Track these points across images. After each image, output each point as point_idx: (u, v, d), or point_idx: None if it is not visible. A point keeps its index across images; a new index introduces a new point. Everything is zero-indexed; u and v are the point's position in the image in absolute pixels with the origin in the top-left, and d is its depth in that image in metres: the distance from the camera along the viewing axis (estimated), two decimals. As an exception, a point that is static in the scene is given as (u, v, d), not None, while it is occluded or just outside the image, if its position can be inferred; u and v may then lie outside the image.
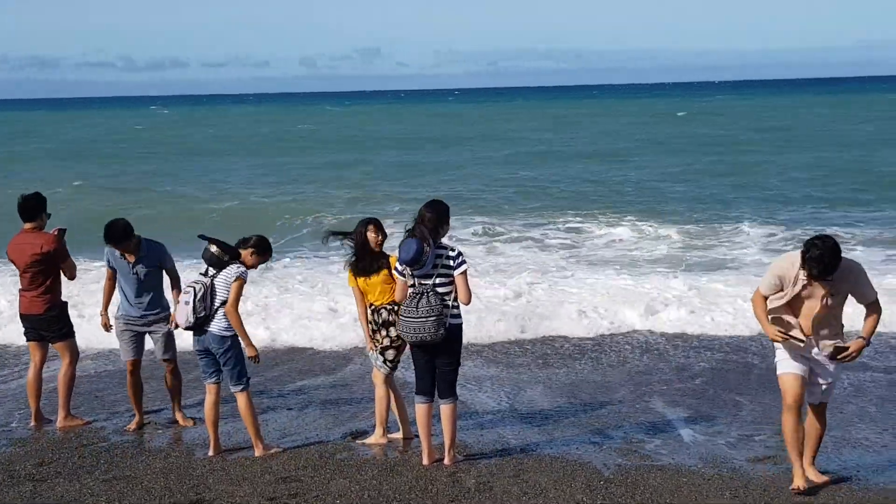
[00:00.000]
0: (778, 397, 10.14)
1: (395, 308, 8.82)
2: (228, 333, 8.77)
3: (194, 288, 8.74)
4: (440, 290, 8.33)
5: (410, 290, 8.37)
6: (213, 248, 8.82)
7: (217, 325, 8.75)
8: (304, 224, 25.99)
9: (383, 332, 9.00)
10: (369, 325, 9.07)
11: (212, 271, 8.84)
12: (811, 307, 7.62)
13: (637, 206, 27.71)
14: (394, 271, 8.59)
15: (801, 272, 7.44)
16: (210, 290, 8.75)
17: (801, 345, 7.64)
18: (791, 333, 7.61)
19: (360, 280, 8.99)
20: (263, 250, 9.05)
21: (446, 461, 8.60)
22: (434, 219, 8.39)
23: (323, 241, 9.50)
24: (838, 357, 7.58)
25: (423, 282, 8.33)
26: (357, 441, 9.30)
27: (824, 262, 7.23)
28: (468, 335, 10.55)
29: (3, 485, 8.32)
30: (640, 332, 13.84)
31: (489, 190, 32.73)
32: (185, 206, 30.21)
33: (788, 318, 7.72)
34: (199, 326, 8.74)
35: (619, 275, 17.35)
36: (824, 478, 7.96)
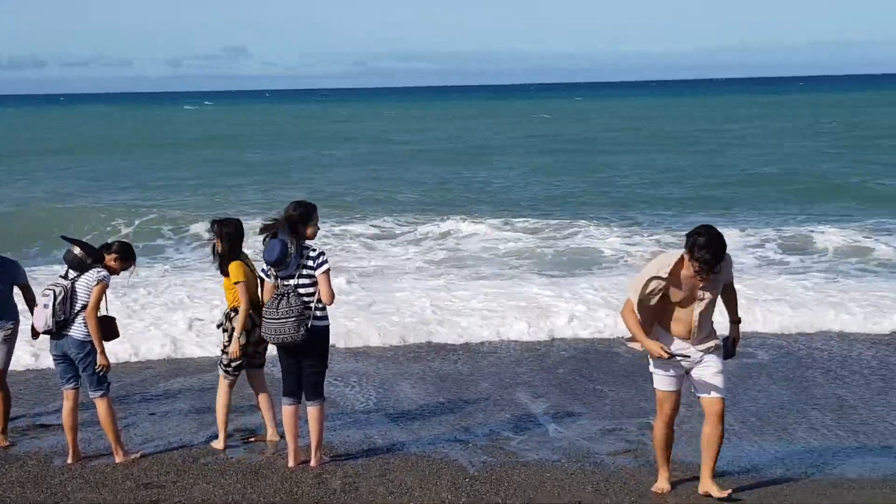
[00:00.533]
0: (640, 391, 10.45)
1: (231, 313, 8.86)
2: (89, 339, 8.57)
3: (54, 291, 8.50)
4: (302, 290, 8.25)
5: (275, 291, 8.29)
6: (77, 250, 8.60)
7: (77, 330, 8.52)
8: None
9: (224, 337, 8.96)
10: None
11: (72, 274, 8.61)
12: (687, 312, 7.38)
13: (489, 206, 28.14)
14: (260, 272, 8.49)
15: (683, 272, 7.25)
16: (70, 294, 8.52)
17: (687, 362, 7.50)
18: (672, 350, 7.39)
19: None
20: (126, 256, 8.83)
21: (312, 463, 8.55)
22: (298, 218, 8.30)
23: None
24: (734, 352, 7.69)
25: (285, 283, 8.26)
26: (251, 440, 9.23)
27: (713, 247, 7.07)
28: (336, 336, 10.51)
29: None
30: (506, 330, 13.97)
31: (339, 190, 32.82)
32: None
33: (663, 329, 7.50)
34: (57, 331, 8.51)
35: (479, 274, 17.83)
36: (726, 492, 7.61)
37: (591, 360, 12.34)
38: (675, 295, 7.33)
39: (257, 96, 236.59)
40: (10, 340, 9.35)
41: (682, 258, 7.26)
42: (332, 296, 8.31)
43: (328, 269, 8.32)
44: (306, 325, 8.20)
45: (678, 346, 7.48)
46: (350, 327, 13.53)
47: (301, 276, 8.26)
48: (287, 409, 8.54)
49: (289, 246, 8.17)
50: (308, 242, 8.39)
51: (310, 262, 8.28)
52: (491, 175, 37.08)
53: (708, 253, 7.07)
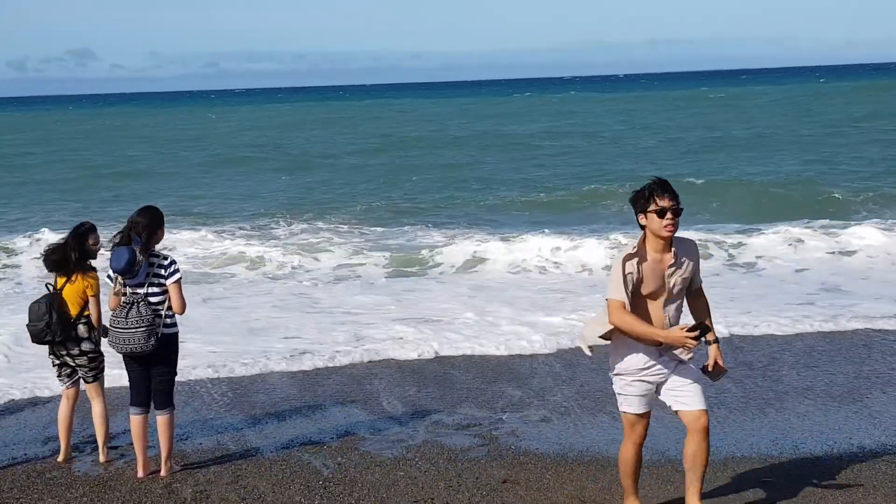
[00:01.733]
0: (490, 384, 10.56)
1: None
2: None
3: None
4: (152, 299, 8.08)
5: (123, 299, 8.10)
6: None
7: None
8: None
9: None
10: None
11: None
12: (657, 307, 6.66)
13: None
14: (107, 279, 8.27)
15: (651, 253, 6.57)
16: None
17: (656, 376, 6.73)
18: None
19: None
20: None
21: (163, 473, 8.39)
22: (147, 226, 8.11)
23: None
24: (703, 336, 6.50)
25: (135, 291, 8.07)
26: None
27: (665, 181, 6.56)
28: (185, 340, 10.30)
29: None
30: (353, 329, 13.97)
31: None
32: None
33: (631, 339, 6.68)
34: None
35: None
36: None
37: (450, 359, 12.45)
38: (647, 284, 6.59)
39: (103, 100, 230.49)
40: None
41: (643, 239, 6.64)
42: (184, 305, 8.17)
43: (180, 278, 8.18)
44: (157, 334, 8.04)
45: (649, 356, 6.70)
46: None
47: (151, 284, 8.09)
48: (135, 419, 8.34)
49: (137, 254, 7.99)
50: (157, 250, 8.24)
51: (161, 271, 8.11)
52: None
53: (668, 189, 6.52)
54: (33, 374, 11.63)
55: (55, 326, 8.36)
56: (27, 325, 8.49)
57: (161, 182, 37.54)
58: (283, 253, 20.87)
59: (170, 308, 8.16)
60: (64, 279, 8.51)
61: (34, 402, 10.82)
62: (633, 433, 6.93)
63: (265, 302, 16.36)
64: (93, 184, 37.25)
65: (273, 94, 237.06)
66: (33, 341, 8.57)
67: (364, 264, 20.04)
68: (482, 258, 20.01)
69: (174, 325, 8.29)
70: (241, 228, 25.14)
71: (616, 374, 6.85)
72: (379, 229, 24.56)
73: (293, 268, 19.95)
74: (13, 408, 10.68)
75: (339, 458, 8.73)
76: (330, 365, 12.11)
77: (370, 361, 12.24)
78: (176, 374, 8.49)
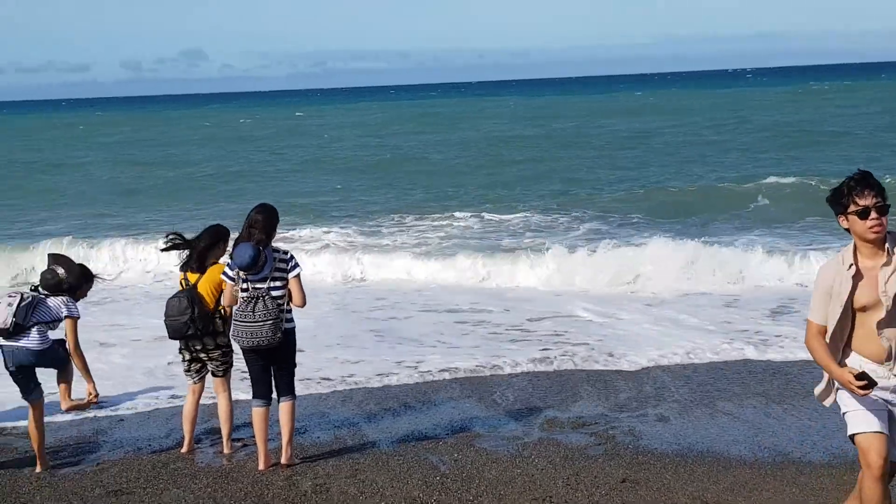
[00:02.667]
0: (607, 385, 10.47)
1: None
2: (44, 346, 8.51)
3: (21, 294, 8.51)
4: (274, 293, 8.20)
5: (244, 294, 8.21)
6: (60, 271, 8.59)
7: (31, 341, 8.47)
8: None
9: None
10: None
11: (43, 291, 8.61)
12: (871, 318, 5.66)
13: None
14: (222, 276, 8.42)
15: (862, 261, 5.72)
16: (35, 305, 8.50)
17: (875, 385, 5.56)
18: (864, 373, 5.52)
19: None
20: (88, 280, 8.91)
21: (283, 460, 8.54)
22: (265, 222, 8.26)
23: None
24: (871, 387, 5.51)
25: (257, 286, 8.20)
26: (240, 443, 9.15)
27: (866, 175, 5.69)
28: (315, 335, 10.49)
29: None
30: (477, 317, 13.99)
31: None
32: None
33: (848, 354, 5.83)
34: (12, 332, 8.43)
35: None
36: None
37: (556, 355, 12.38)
38: (860, 297, 5.66)
39: (214, 99, 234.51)
40: None
41: (853, 245, 5.78)
42: (304, 298, 8.29)
43: (300, 273, 8.31)
44: (281, 328, 8.17)
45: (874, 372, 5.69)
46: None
47: (273, 278, 8.21)
48: (257, 412, 8.48)
49: (261, 250, 8.13)
50: (276, 245, 8.37)
51: (283, 265, 8.24)
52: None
53: (869, 183, 5.64)
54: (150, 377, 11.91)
55: (198, 321, 8.54)
56: (166, 321, 8.63)
57: (296, 183, 37.69)
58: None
59: (289, 303, 8.28)
60: (196, 275, 8.67)
61: (156, 398, 11.10)
62: (868, 462, 5.65)
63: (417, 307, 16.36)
64: (192, 185, 37.74)
65: (380, 91, 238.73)
66: (173, 337, 8.70)
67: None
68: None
69: (292, 319, 8.41)
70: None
71: (839, 389, 5.86)
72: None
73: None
74: (138, 404, 10.95)
75: (456, 455, 8.73)
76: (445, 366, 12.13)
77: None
78: (296, 365, 8.62)
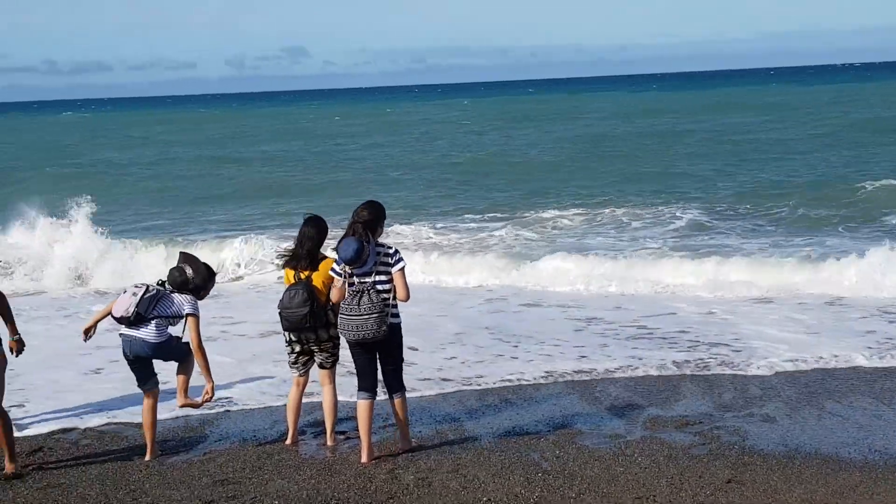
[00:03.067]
0: (712, 384, 10.31)
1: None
2: (160, 340, 8.68)
3: (147, 286, 8.72)
4: (380, 287, 8.28)
5: (350, 289, 8.31)
6: (189, 271, 8.78)
7: (149, 333, 8.64)
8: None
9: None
10: None
11: (169, 286, 8.81)
12: None
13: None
14: (330, 271, 8.51)
15: None
16: (160, 298, 8.69)
17: None
18: None
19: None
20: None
21: (402, 445, 8.76)
22: (371, 218, 8.36)
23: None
24: None
25: (363, 280, 8.28)
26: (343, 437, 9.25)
27: None
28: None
29: None
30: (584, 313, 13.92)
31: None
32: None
33: None
34: (133, 322, 8.62)
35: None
36: None
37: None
38: None
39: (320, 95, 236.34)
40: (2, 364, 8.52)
41: None
42: (408, 292, 8.38)
43: (404, 267, 8.38)
44: (387, 321, 8.25)
45: None
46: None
47: (378, 272, 8.29)
48: (362, 405, 8.56)
49: (365, 244, 8.21)
50: (381, 241, 8.46)
51: (388, 260, 8.33)
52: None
53: None
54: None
55: (318, 313, 8.65)
56: (283, 313, 8.65)
57: (392, 182, 37.99)
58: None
59: (395, 298, 8.34)
60: (307, 271, 8.75)
61: (262, 391, 11.26)
62: None
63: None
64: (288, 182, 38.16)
65: (478, 88, 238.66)
66: (288, 329, 8.75)
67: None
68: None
69: (398, 314, 8.50)
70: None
71: None
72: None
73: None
74: (243, 397, 11.10)
75: (557, 452, 8.68)
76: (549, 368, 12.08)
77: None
78: (402, 360, 8.71)
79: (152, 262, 19.64)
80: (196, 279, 8.82)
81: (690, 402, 10.10)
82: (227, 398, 10.71)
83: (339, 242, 8.30)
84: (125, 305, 8.62)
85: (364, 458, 8.55)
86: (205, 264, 9.01)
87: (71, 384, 11.66)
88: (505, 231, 23.09)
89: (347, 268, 8.28)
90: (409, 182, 35.34)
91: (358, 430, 8.64)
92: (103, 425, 9.98)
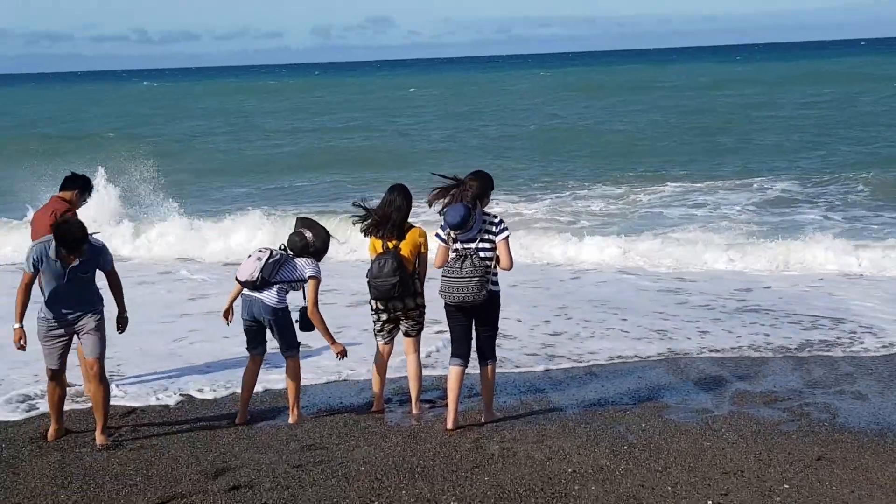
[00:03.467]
0: (800, 361, 10.12)
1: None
2: (280, 306, 8.77)
3: (271, 250, 8.80)
4: (482, 254, 8.40)
5: (453, 254, 8.43)
6: (308, 235, 8.87)
7: (270, 297, 8.74)
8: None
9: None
10: None
11: (289, 252, 8.88)
12: None
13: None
14: (435, 237, 8.61)
15: None
16: (283, 263, 8.78)
17: None
18: None
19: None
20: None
21: (484, 419, 8.78)
22: (479, 187, 8.49)
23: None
24: None
25: (466, 246, 8.39)
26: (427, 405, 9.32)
27: None
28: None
29: (31, 455, 8.38)
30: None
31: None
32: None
33: None
34: (258, 286, 8.73)
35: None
36: None
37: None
38: None
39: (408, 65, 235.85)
40: (102, 328, 8.64)
41: None
42: (512, 261, 8.49)
43: (508, 236, 8.48)
44: (487, 287, 8.35)
45: None
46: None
47: (482, 240, 8.40)
48: (454, 370, 8.66)
49: (472, 211, 8.30)
50: (487, 210, 8.56)
51: (492, 228, 8.44)
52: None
53: None
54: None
55: (407, 282, 8.71)
56: (372, 282, 8.73)
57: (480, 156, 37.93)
58: None
59: (496, 266, 8.43)
60: (395, 240, 8.80)
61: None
62: None
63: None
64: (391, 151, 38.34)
65: (564, 58, 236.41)
66: (377, 297, 8.82)
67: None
68: None
69: (497, 283, 8.59)
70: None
71: None
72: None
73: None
74: (330, 364, 11.21)
75: (643, 424, 8.63)
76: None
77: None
78: (498, 328, 8.78)
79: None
80: (316, 242, 8.88)
81: (779, 377, 9.98)
82: (316, 366, 10.81)
83: (446, 209, 8.41)
84: (250, 270, 8.69)
85: (449, 425, 8.60)
86: (323, 227, 9.07)
87: (163, 350, 11.94)
88: (596, 205, 22.95)
89: (453, 233, 8.38)
90: (505, 151, 35.26)
91: (444, 399, 8.69)
92: (193, 390, 10.20)
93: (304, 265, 8.79)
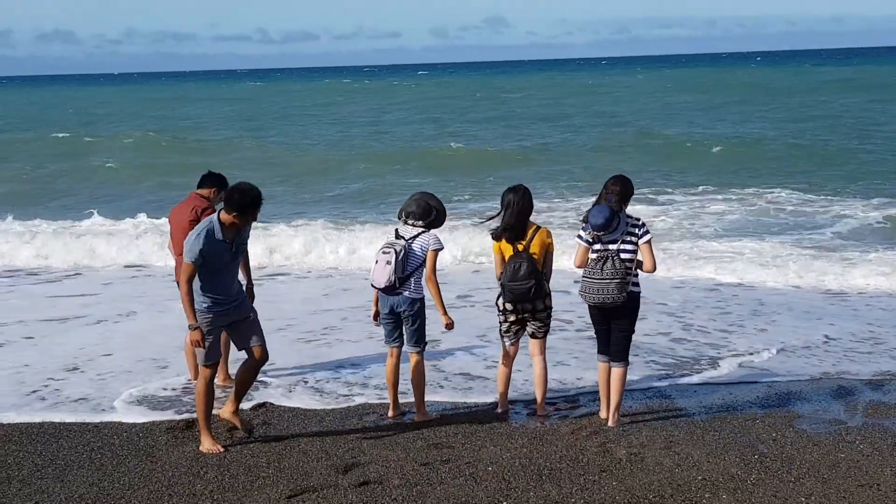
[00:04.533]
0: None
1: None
2: (418, 296, 8.86)
3: (394, 249, 8.79)
4: (623, 255, 8.45)
5: (593, 255, 8.52)
6: (433, 202, 8.94)
7: (407, 290, 8.82)
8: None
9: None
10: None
11: (409, 232, 8.86)
12: None
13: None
14: (577, 237, 8.74)
15: None
16: (408, 253, 8.83)
17: None
18: None
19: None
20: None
21: (611, 423, 8.80)
22: (620, 191, 8.57)
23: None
24: None
25: (607, 247, 8.47)
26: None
27: None
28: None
29: (168, 445, 8.65)
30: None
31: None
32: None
33: None
34: (399, 286, 8.81)
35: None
36: None
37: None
38: None
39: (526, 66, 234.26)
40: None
41: None
42: (655, 264, 8.55)
43: (651, 239, 8.54)
44: (626, 288, 8.42)
45: None
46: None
47: (624, 241, 8.47)
48: (601, 367, 8.92)
49: (616, 213, 8.39)
50: (629, 213, 8.65)
51: (635, 230, 8.51)
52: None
53: None
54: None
55: (540, 284, 8.72)
56: (507, 286, 8.72)
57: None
58: None
59: (637, 267, 8.50)
60: (522, 242, 8.80)
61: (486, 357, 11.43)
62: None
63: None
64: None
65: (683, 59, 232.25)
66: (511, 301, 8.83)
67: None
68: None
69: (638, 284, 8.64)
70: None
71: None
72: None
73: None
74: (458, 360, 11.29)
75: (774, 434, 8.47)
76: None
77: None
78: (634, 331, 8.82)
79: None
80: (438, 206, 8.95)
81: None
82: (434, 366, 10.88)
83: (591, 209, 8.49)
84: (385, 276, 8.73)
85: (603, 415, 8.96)
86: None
87: (293, 345, 12.18)
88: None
89: (595, 234, 8.45)
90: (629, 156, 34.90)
91: (567, 402, 8.71)
92: (322, 386, 10.40)
93: (424, 244, 8.79)
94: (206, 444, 8.43)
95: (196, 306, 8.19)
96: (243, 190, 8.17)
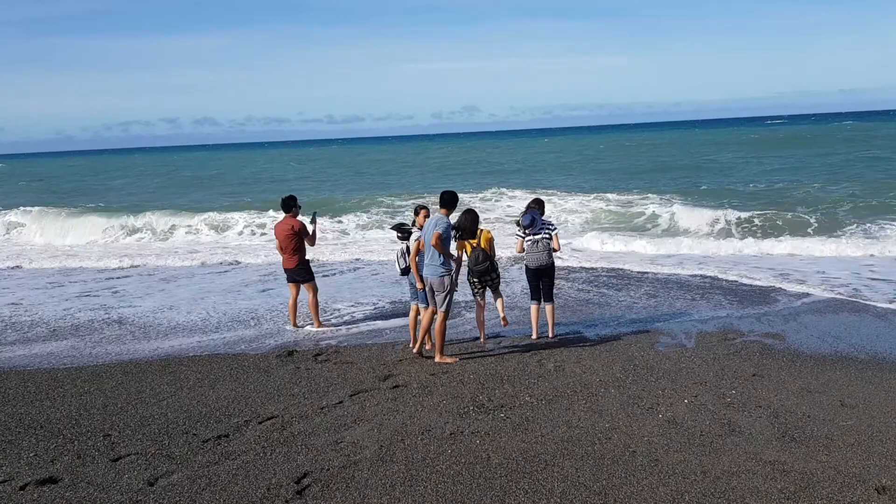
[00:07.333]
0: None
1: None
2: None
3: (401, 245, 8.85)
4: (546, 241, 9.04)
5: (528, 242, 9.09)
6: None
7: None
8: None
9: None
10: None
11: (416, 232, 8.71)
12: None
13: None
14: (516, 233, 9.23)
15: None
16: (407, 247, 8.75)
17: None
18: None
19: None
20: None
21: (550, 334, 9.24)
22: (538, 206, 9.20)
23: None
24: None
25: (536, 236, 9.03)
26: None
27: None
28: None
29: (277, 365, 8.55)
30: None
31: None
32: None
33: None
34: (406, 271, 8.76)
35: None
36: None
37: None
38: None
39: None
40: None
41: None
42: (560, 246, 9.23)
43: (557, 232, 9.23)
44: (551, 258, 9.06)
45: None
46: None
47: (544, 232, 9.10)
48: (533, 307, 9.33)
49: (536, 217, 9.06)
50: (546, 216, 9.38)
51: (549, 227, 9.14)
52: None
53: None
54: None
55: (494, 264, 8.94)
56: (472, 267, 8.78)
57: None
58: None
59: (553, 248, 9.10)
60: (475, 240, 8.81)
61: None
62: None
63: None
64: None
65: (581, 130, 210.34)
66: (475, 277, 8.88)
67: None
68: None
69: (552, 256, 9.15)
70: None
71: None
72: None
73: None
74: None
75: (643, 352, 8.56)
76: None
77: None
78: (554, 283, 9.35)
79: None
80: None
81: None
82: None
83: (522, 215, 9.13)
84: (401, 265, 8.84)
85: (534, 337, 9.25)
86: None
87: (360, 295, 11.97)
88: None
89: (526, 230, 9.07)
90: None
91: (532, 326, 9.28)
92: (374, 326, 10.34)
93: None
94: (447, 359, 8.42)
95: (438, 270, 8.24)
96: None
